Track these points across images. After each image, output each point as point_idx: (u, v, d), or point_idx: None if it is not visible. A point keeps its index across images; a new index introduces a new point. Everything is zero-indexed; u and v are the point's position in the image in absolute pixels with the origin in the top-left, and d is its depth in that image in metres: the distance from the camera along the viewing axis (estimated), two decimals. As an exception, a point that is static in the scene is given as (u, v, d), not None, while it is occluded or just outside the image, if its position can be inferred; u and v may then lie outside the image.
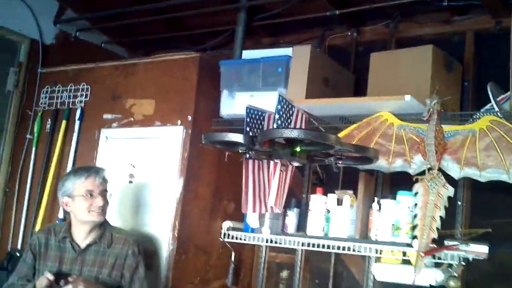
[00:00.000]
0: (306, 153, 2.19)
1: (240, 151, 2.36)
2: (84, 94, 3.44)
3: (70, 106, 3.47)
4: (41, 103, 3.62)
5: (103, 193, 2.61)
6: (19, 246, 3.45)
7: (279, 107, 2.63)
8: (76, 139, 3.39)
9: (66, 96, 3.51)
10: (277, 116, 2.61)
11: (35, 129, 3.58)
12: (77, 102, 3.45)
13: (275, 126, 2.62)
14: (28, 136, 3.62)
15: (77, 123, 3.40)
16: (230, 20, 3.54)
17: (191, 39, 4.06)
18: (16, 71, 3.63)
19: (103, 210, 2.59)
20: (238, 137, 2.22)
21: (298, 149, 2.15)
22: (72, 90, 3.49)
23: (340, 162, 2.27)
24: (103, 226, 2.64)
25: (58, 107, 3.54)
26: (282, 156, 2.23)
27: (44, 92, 3.63)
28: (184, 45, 4.10)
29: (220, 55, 3.87)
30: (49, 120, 3.56)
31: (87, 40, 4.08)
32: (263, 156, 2.47)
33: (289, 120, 2.69)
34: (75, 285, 2.38)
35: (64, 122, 3.45)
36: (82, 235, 2.60)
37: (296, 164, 2.46)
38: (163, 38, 4.10)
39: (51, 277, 2.42)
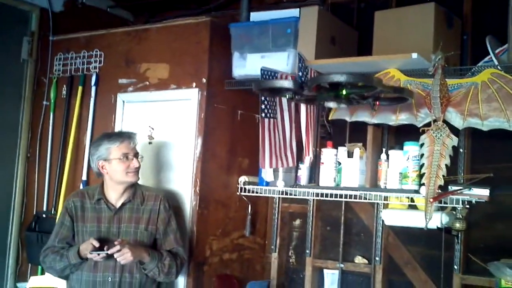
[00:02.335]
0: (348, 95, 2.38)
1: (287, 97, 2.52)
2: (98, 60, 3.54)
3: (85, 72, 3.59)
4: (55, 70, 3.73)
5: (137, 155, 2.78)
6: (44, 208, 3.62)
7: (300, 65, 2.81)
8: (93, 104, 3.51)
9: (79, 62, 3.62)
10: (300, 74, 2.79)
11: (51, 96, 3.70)
12: (91, 68, 3.56)
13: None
14: (44, 102, 3.75)
15: (93, 88, 3.52)
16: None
17: (195, 1, 4.13)
18: (29, 40, 3.73)
19: (138, 171, 2.77)
20: (288, 83, 2.42)
21: (344, 92, 2.34)
22: (86, 57, 3.60)
23: (377, 103, 2.47)
24: (134, 186, 2.81)
25: (73, 73, 3.65)
26: (327, 99, 2.43)
27: (57, 59, 3.73)
28: (188, 7, 4.19)
29: (225, 16, 3.98)
30: (65, 86, 3.68)
31: (94, 6, 4.15)
32: (304, 101, 2.67)
33: (307, 76, 2.86)
34: (122, 249, 2.54)
35: (80, 88, 3.57)
36: (116, 196, 2.78)
37: (336, 105, 2.64)
38: (167, 0, 4.18)
39: (96, 243, 2.56)
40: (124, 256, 2.54)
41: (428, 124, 2.62)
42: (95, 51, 3.56)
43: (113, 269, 2.65)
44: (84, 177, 3.45)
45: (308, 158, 3.00)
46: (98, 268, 2.66)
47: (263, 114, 2.80)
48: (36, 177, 3.72)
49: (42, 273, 3.48)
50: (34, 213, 3.65)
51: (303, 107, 2.90)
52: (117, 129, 3.35)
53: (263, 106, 2.81)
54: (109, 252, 2.54)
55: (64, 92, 3.68)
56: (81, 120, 3.57)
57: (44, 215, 3.58)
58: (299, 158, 3.14)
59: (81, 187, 3.41)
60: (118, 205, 2.77)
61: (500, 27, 2.68)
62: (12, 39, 3.69)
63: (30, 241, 3.52)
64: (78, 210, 2.78)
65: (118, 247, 2.53)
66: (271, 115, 2.85)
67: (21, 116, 3.74)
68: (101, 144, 2.75)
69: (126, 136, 2.78)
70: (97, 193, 2.78)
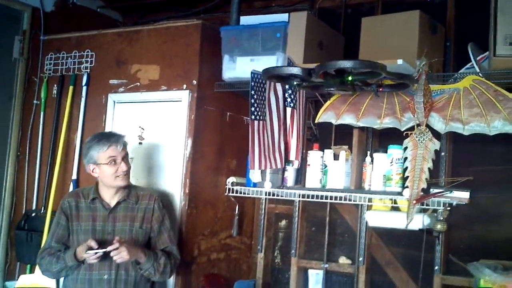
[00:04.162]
0: (353, 82, 2.46)
1: (295, 83, 2.59)
2: (89, 61, 3.59)
3: (76, 72, 3.63)
4: (46, 70, 3.76)
5: (126, 158, 2.82)
6: (34, 207, 3.66)
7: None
8: (84, 103, 3.56)
9: (70, 62, 3.66)
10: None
11: (42, 95, 3.74)
12: (82, 68, 3.60)
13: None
14: (35, 101, 3.78)
15: (84, 88, 3.57)
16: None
17: (185, 3, 4.18)
18: (20, 39, 3.77)
19: (127, 174, 2.81)
20: (296, 70, 2.49)
21: (350, 78, 2.41)
22: (77, 57, 3.64)
23: (380, 89, 2.55)
24: (128, 186, 2.86)
25: (64, 73, 3.69)
26: (333, 85, 2.52)
27: (48, 58, 3.77)
28: (178, 9, 4.24)
29: (214, 18, 4.05)
30: (55, 86, 3.71)
31: (84, 6, 4.19)
32: (311, 88, 2.74)
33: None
34: (119, 248, 2.58)
35: (71, 88, 3.61)
36: (110, 195, 2.82)
37: (342, 92, 2.72)
38: (156, 2, 4.23)
39: (95, 244, 2.60)
40: (121, 254, 2.57)
41: (411, 128, 2.70)
42: (86, 52, 3.61)
43: (109, 267, 2.70)
44: (74, 176, 3.50)
45: (296, 162, 3.07)
46: (94, 266, 2.69)
47: (252, 116, 2.86)
48: (26, 175, 3.75)
49: (31, 271, 3.51)
50: (24, 211, 3.68)
51: (288, 110, 2.97)
52: (107, 129, 3.40)
53: (252, 109, 2.86)
54: (108, 249, 2.57)
55: (54, 92, 3.72)
56: (71, 120, 3.61)
57: (33, 214, 3.61)
58: (287, 160, 3.21)
59: (71, 186, 3.46)
60: (113, 204, 2.82)
61: (481, 35, 2.75)
62: (4, 38, 3.72)
63: (19, 240, 3.54)
64: (72, 209, 2.81)
65: (116, 245, 2.56)
66: (261, 117, 2.91)
67: (11, 114, 3.77)
68: (91, 147, 2.78)
69: (113, 140, 2.79)
70: (92, 193, 2.82)
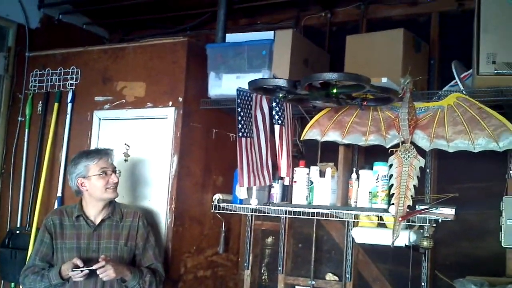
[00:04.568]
0: (338, 95, 2.48)
1: (280, 96, 2.58)
2: (75, 77, 3.57)
3: (61, 89, 3.61)
4: (31, 86, 3.74)
5: (115, 171, 2.82)
6: (18, 224, 3.62)
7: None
8: (69, 120, 3.53)
9: (56, 79, 3.64)
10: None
11: (27, 112, 3.71)
12: (68, 85, 3.58)
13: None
14: (20, 118, 3.75)
15: (69, 105, 3.54)
16: (210, 1, 3.71)
17: (171, 20, 4.20)
18: (5, 56, 3.75)
19: (116, 187, 2.80)
20: (282, 82, 2.51)
21: (334, 90, 2.43)
22: (62, 73, 3.62)
23: (365, 103, 2.57)
24: (112, 203, 2.85)
25: (49, 90, 3.67)
26: (318, 98, 2.52)
27: (33, 75, 3.75)
28: (164, 26, 4.26)
29: (200, 35, 4.07)
30: (40, 102, 3.69)
31: (70, 22, 4.20)
32: (296, 101, 2.75)
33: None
34: (105, 266, 2.56)
35: (56, 105, 3.59)
36: (95, 212, 2.80)
37: (328, 104, 2.71)
38: (143, 19, 4.24)
39: (80, 263, 2.57)
40: (107, 272, 2.56)
41: (396, 145, 2.73)
42: (72, 68, 3.59)
43: (94, 285, 2.67)
44: (59, 194, 3.46)
45: (287, 178, 3.06)
46: (79, 284, 2.66)
47: (240, 133, 2.86)
48: (10, 193, 3.71)
49: (15, 289, 3.48)
50: (8, 229, 3.64)
51: (277, 128, 2.97)
52: (93, 146, 3.37)
53: (239, 126, 2.87)
54: (94, 267, 2.55)
55: (39, 108, 3.69)
56: (56, 137, 3.59)
57: (18, 232, 3.57)
58: (277, 177, 3.21)
59: (56, 203, 3.42)
60: (97, 221, 2.80)
61: (465, 53, 2.79)
62: (-12, 55, 3.71)
63: (3, 258, 3.49)
64: (57, 228, 2.78)
65: (102, 263, 2.55)
66: (248, 134, 2.92)
67: (-4, 131, 3.74)
68: (80, 162, 2.78)
69: (103, 153, 2.83)
70: (76, 210, 2.81)
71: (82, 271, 2.56)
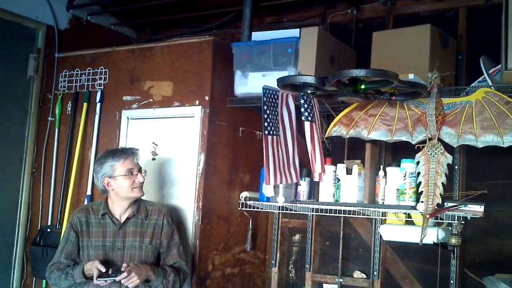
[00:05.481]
0: (366, 90, 2.50)
1: (308, 92, 2.62)
2: (103, 77, 3.63)
3: (90, 89, 3.67)
4: (60, 87, 3.81)
5: (141, 170, 2.84)
6: (49, 222, 3.69)
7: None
8: (98, 120, 3.59)
9: (84, 79, 3.71)
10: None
11: (56, 112, 3.78)
12: (96, 85, 3.64)
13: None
14: (50, 118, 3.83)
15: (98, 105, 3.60)
16: (235, 0, 3.71)
17: (197, 19, 4.24)
18: (35, 57, 3.82)
19: (142, 186, 2.83)
20: (311, 79, 2.54)
21: (362, 86, 2.45)
22: (90, 74, 3.68)
23: (393, 98, 2.58)
24: (137, 201, 2.87)
25: (78, 90, 3.73)
26: (346, 93, 2.54)
27: (62, 76, 3.82)
28: (190, 25, 4.29)
29: (226, 34, 4.09)
30: (70, 102, 3.75)
31: (97, 23, 4.26)
32: (325, 96, 2.78)
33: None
34: (129, 273, 2.57)
35: (85, 105, 3.65)
36: (120, 211, 2.83)
37: (356, 99, 2.72)
38: (169, 19, 4.28)
39: (102, 268, 2.59)
40: (132, 280, 2.57)
41: (423, 142, 2.70)
42: (100, 69, 3.65)
43: (118, 285, 2.67)
44: (88, 192, 3.52)
45: (320, 174, 3.03)
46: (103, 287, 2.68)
47: (266, 131, 2.87)
48: (41, 192, 3.78)
49: (46, 286, 3.54)
50: (39, 227, 3.71)
51: (307, 124, 2.95)
52: (121, 145, 3.42)
53: (266, 124, 2.87)
54: (117, 279, 2.57)
55: (69, 108, 3.76)
56: (85, 136, 3.64)
57: (49, 230, 3.64)
58: (308, 174, 3.20)
59: (85, 201, 3.48)
60: (122, 219, 2.83)
61: (493, 48, 2.76)
62: (19, 56, 3.78)
63: (35, 255, 3.57)
64: (83, 225, 2.81)
65: (125, 274, 2.56)
66: (274, 132, 2.92)
67: (26, 131, 3.81)
68: (106, 161, 2.80)
69: (129, 153, 2.84)
70: (102, 208, 2.83)
71: (106, 281, 2.59)
